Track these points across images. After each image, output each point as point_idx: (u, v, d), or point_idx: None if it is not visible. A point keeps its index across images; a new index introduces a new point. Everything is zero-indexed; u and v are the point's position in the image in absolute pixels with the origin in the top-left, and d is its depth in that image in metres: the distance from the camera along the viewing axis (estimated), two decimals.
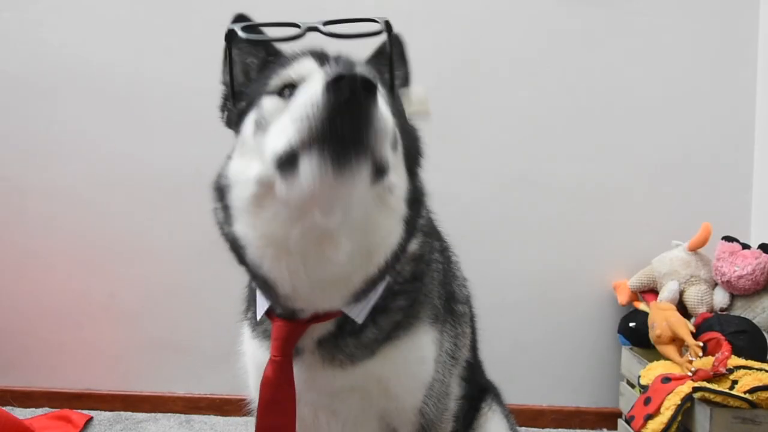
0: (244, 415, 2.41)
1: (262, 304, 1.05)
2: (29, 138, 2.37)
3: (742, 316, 2.02)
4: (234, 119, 1.10)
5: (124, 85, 2.36)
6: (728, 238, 2.17)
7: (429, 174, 2.61)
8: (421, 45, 2.37)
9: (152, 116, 2.36)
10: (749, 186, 2.40)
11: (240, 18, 1.07)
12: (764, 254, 2.07)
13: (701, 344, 1.88)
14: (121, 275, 2.41)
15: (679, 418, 1.68)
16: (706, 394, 1.65)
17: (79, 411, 2.34)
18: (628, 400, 2.09)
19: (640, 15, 2.36)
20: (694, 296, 2.15)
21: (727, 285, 2.10)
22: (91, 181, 2.38)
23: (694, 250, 2.20)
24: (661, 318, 2.00)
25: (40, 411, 2.35)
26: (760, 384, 1.63)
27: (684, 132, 2.39)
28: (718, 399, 1.64)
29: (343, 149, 0.73)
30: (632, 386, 2.10)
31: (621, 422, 2.12)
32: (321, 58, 0.97)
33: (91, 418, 2.32)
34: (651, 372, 1.90)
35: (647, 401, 1.78)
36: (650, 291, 2.28)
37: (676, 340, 1.96)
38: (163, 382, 2.44)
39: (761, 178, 2.37)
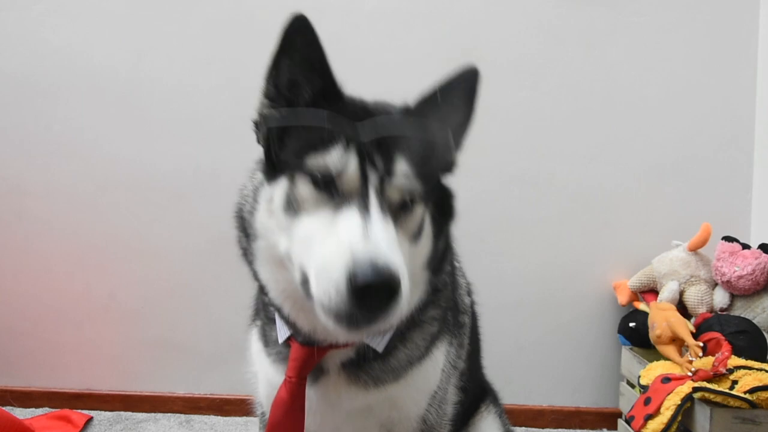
0: (244, 415, 2.42)
1: (282, 329, 1.05)
2: (29, 138, 2.37)
3: (742, 316, 2.02)
4: (268, 156, 0.97)
5: (124, 85, 2.36)
6: (728, 238, 2.17)
7: None
8: (421, 45, 2.38)
9: (152, 116, 2.37)
10: (749, 186, 2.40)
11: (302, 23, 0.87)
12: (764, 254, 2.07)
13: (701, 344, 1.88)
14: (121, 275, 2.41)
15: (679, 418, 1.68)
16: (706, 394, 1.65)
17: (79, 411, 2.34)
18: (628, 400, 2.09)
19: (640, 15, 2.36)
20: (694, 296, 2.15)
21: (727, 285, 2.10)
22: (91, 181, 2.38)
23: (694, 250, 2.20)
24: (661, 318, 2.00)
25: (40, 411, 2.35)
26: (760, 384, 1.63)
27: (684, 132, 2.39)
28: (718, 399, 1.64)
29: (360, 323, 0.75)
30: (632, 386, 2.10)
31: (621, 422, 2.12)
32: (361, 152, 0.86)
33: (91, 418, 2.32)
34: (651, 372, 1.90)
35: (647, 401, 1.77)
36: (650, 291, 2.28)
37: (676, 340, 1.96)
38: (163, 382, 2.44)
39: (761, 178, 2.37)
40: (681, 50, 2.38)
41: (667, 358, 1.96)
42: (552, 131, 2.38)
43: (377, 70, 2.34)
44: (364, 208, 0.80)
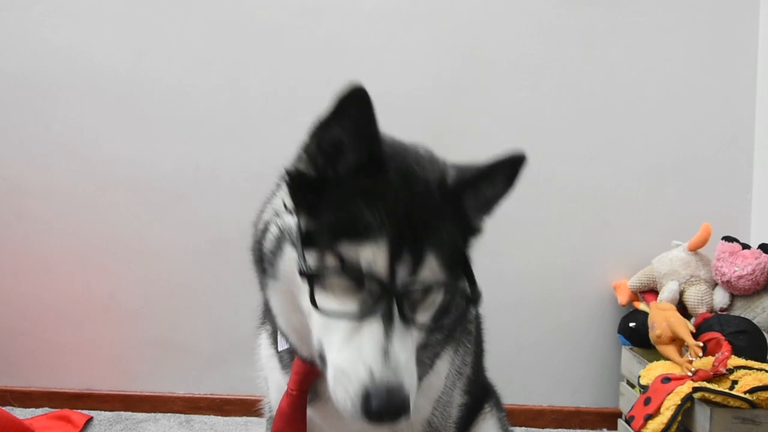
0: (244, 415, 2.42)
1: (282, 340, 1.08)
2: (29, 138, 2.37)
3: (742, 316, 2.02)
4: (300, 215, 0.91)
5: (124, 85, 2.36)
6: (728, 238, 2.17)
7: None
8: (420, 45, 2.38)
9: (152, 116, 2.37)
10: (749, 186, 2.40)
11: (360, 96, 0.84)
12: (764, 254, 2.07)
13: (701, 344, 1.88)
14: (121, 275, 2.41)
15: (679, 418, 1.68)
16: (706, 394, 1.65)
17: (79, 411, 2.34)
18: (628, 400, 2.09)
19: (640, 15, 2.36)
20: (694, 296, 2.15)
21: (727, 285, 2.10)
22: (91, 181, 2.38)
23: (694, 250, 2.20)
24: (661, 318, 2.00)
25: (40, 411, 2.35)
26: (760, 384, 1.63)
27: (684, 132, 2.39)
28: (718, 399, 1.64)
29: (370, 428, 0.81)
30: (632, 386, 2.10)
31: (621, 422, 2.12)
32: (393, 247, 0.83)
33: (91, 418, 2.32)
34: (651, 372, 1.90)
35: (647, 401, 1.77)
36: (650, 291, 2.27)
37: (676, 340, 1.96)
38: (163, 382, 2.44)
39: (761, 178, 2.37)
40: (681, 50, 2.38)
41: (667, 358, 1.96)
42: (552, 131, 2.38)
43: (377, 70, 2.34)
44: (389, 318, 0.81)
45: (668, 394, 1.73)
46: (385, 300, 0.82)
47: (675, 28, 2.37)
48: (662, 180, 2.39)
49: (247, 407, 2.44)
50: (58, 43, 2.34)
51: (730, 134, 2.40)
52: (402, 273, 0.84)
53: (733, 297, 2.13)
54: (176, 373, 2.44)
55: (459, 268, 0.95)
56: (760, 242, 2.15)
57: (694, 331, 1.95)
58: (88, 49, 2.35)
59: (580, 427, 2.40)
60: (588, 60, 2.37)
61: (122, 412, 2.40)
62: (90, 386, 2.44)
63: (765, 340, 1.90)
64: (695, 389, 1.69)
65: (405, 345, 0.81)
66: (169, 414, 2.40)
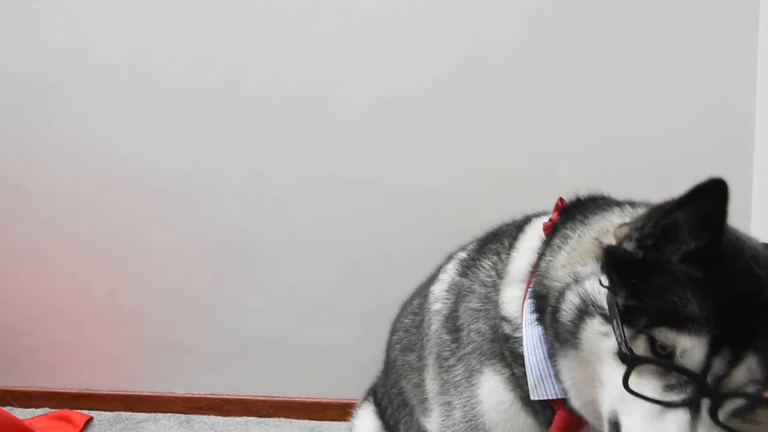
0: (244, 415, 2.42)
1: (551, 389, 1.00)
2: (29, 138, 2.37)
3: None
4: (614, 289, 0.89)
5: (124, 85, 2.36)
6: None
7: (429, 174, 2.62)
8: (421, 45, 2.38)
9: (152, 116, 2.36)
10: (749, 186, 2.39)
11: (720, 188, 0.80)
12: None
13: None
14: (121, 275, 2.41)
15: None
16: None
17: (79, 411, 2.34)
18: None
19: (640, 15, 2.36)
20: None
21: None
22: (91, 181, 2.38)
23: None
24: None
25: (40, 411, 2.35)
26: None
27: (683, 132, 2.39)
28: None
29: None
30: None
31: None
32: (712, 342, 0.80)
33: (91, 418, 2.32)
34: None
35: None
36: None
37: None
38: (163, 382, 2.44)
39: (761, 178, 2.37)
40: (681, 50, 2.37)
41: None
42: (552, 131, 2.38)
43: (377, 70, 2.34)
44: (696, 412, 0.78)
45: None
46: (695, 393, 0.78)
47: (675, 28, 2.37)
48: (662, 180, 2.38)
49: (247, 407, 2.44)
50: (58, 43, 2.34)
51: (729, 134, 2.40)
52: (717, 368, 0.79)
53: None
54: (176, 373, 2.44)
55: None
56: (760, 242, 2.14)
57: None
58: (88, 49, 2.35)
59: None
60: (588, 60, 2.37)
61: (122, 412, 2.40)
62: (90, 386, 2.44)
63: None
64: None
65: None
66: (169, 414, 2.40)
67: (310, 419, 2.40)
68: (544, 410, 1.03)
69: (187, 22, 2.35)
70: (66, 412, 2.31)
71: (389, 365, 1.58)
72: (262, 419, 2.40)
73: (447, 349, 1.20)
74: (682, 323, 0.79)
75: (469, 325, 1.16)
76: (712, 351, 0.78)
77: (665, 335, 0.80)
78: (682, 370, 0.79)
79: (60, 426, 2.22)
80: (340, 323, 2.41)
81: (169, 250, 2.39)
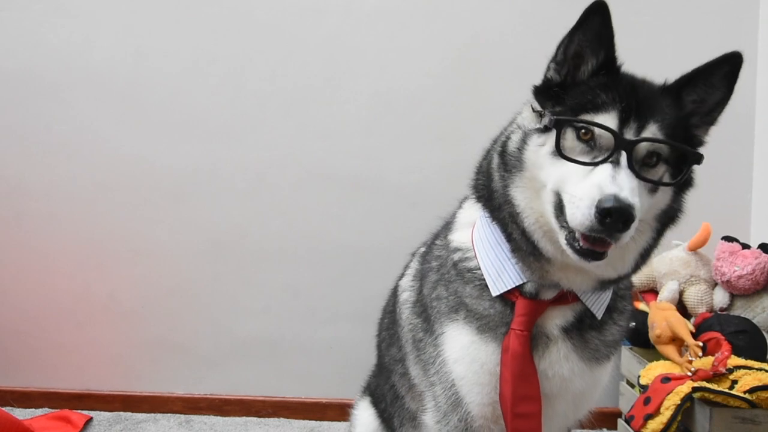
0: (244, 415, 2.42)
1: (505, 277, 1.15)
2: (29, 137, 2.37)
3: (742, 316, 2.02)
4: (545, 109, 1.14)
5: (124, 84, 2.36)
6: (728, 238, 2.17)
7: (429, 175, 2.62)
8: (420, 44, 2.38)
9: (153, 116, 2.37)
10: (749, 186, 2.40)
11: (602, 6, 1.07)
12: (764, 254, 2.07)
13: (701, 344, 1.87)
14: (121, 275, 2.41)
15: (679, 418, 1.68)
16: (706, 394, 1.65)
17: (79, 411, 2.34)
18: (628, 400, 2.08)
19: (640, 15, 2.36)
20: (693, 296, 2.15)
21: (727, 285, 2.10)
22: (92, 181, 2.38)
23: (694, 250, 2.20)
24: (661, 318, 2.00)
25: (39, 411, 2.35)
26: (760, 384, 1.63)
27: None
28: (718, 399, 1.64)
29: (599, 240, 0.98)
30: (632, 386, 2.10)
31: (621, 422, 2.12)
32: (621, 116, 1.04)
33: (90, 419, 2.32)
34: (651, 372, 1.90)
35: (647, 401, 1.77)
36: (650, 291, 2.27)
37: (676, 340, 1.96)
38: (162, 382, 2.44)
39: (761, 178, 2.37)
40: (681, 50, 2.37)
41: (666, 358, 1.96)
42: None
43: (377, 70, 2.34)
44: (616, 162, 0.99)
45: (668, 394, 1.73)
46: (614, 151, 1.00)
47: (675, 28, 2.37)
48: None
49: (247, 407, 2.44)
50: (58, 42, 2.34)
51: (730, 134, 2.39)
52: (628, 134, 1.02)
53: (732, 297, 2.13)
54: (176, 374, 2.44)
55: (678, 153, 1.11)
56: (760, 242, 2.15)
57: (693, 330, 1.95)
58: (88, 48, 2.35)
59: (580, 427, 2.40)
60: None
61: (122, 413, 2.40)
62: (90, 386, 2.44)
63: (765, 339, 1.90)
64: (695, 389, 1.69)
65: (629, 178, 0.97)
66: (168, 414, 2.40)
67: (309, 419, 2.40)
68: (504, 311, 1.15)
69: (188, 22, 2.35)
70: (66, 412, 2.31)
71: (381, 365, 1.68)
72: (262, 419, 2.40)
73: (420, 330, 1.31)
74: (597, 107, 1.05)
75: (430, 297, 1.27)
76: (622, 123, 1.03)
77: (586, 119, 1.04)
78: (603, 127, 1.01)
79: (60, 426, 2.22)
80: (340, 323, 2.42)
81: (169, 250, 2.40)
